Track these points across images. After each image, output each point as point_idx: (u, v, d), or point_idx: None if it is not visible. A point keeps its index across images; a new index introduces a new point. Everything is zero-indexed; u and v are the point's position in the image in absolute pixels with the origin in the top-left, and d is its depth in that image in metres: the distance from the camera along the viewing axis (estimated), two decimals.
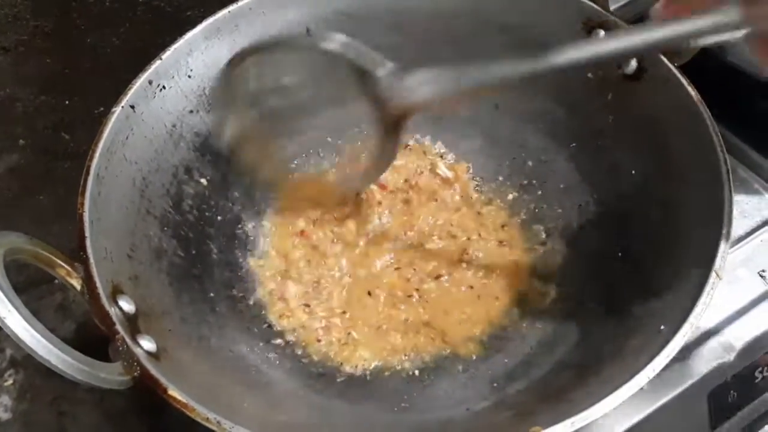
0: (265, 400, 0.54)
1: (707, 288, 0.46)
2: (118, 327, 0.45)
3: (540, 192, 0.71)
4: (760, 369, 0.62)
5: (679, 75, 0.57)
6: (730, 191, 0.51)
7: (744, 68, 0.71)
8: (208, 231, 0.65)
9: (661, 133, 0.59)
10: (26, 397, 0.61)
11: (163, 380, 0.43)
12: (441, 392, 0.59)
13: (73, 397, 0.61)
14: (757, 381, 0.62)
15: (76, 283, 0.47)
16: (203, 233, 0.64)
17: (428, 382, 0.60)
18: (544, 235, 0.68)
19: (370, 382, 0.60)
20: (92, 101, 0.73)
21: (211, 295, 0.61)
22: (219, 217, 0.66)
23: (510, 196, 0.72)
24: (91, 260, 0.48)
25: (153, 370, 0.44)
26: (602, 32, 0.63)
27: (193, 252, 0.62)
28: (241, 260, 0.67)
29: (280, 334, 0.63)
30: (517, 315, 0.64)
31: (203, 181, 0.66)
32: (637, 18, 0.76)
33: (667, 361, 0.44)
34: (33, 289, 0.66)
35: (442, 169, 0.74)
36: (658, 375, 0.44)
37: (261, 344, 0.61)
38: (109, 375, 0.43)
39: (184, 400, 0.42)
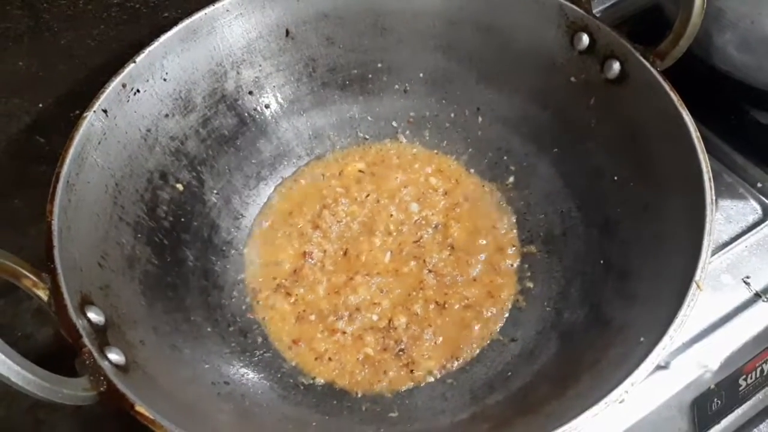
0: (239, 412, 0.53)
1: (687, 299, 0.46)
2: (85, 340, 0.44)
3: (523, 198, 0.70)
4: (744, 376, 0.61)
5: (660, 79, 0.57)
6: (712, 200, 0.50)
7: (730, 72, 0.70)
8: (184, 237, 0.63)
9: (643, 138, 0.59)
10: (2, 404, 0.60)
11: (130, 395, 0.42)
12: (420, 403, 0.58)
13: (50, 404, 0.59)
14: (741, 388, 0.62)
15: (43, 294, 0.46)
16: (179, 240, 0.63)
17: (407, 393, 0.59)
18: (526, 242, 0.67)
19: (345, 393, 0.59)
20: (67, 104, 0.71)
21: (187, 303, 0.60)
22: (195, 223, 0.65)
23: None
24: (59, 270, 0.46)
25: (120, 385, 0.42)
26: (585, 36, 0.62)
27: (168, 259, 0.61)
28: (217, 267, 0.65)
29: (256, 344, 0.62)
30: (499, 324, 0.63)
31: (179, 186, 0.64)
32: (620, 21, 0.75)
33: (645, 375, 0.43)
34: (11, 294, 0.64)
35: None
36: (642, 383, 0.43)
37: (236, 354, 0.60)
38: (72, 391, 0.42)
39: (151, 417, 0.41)
